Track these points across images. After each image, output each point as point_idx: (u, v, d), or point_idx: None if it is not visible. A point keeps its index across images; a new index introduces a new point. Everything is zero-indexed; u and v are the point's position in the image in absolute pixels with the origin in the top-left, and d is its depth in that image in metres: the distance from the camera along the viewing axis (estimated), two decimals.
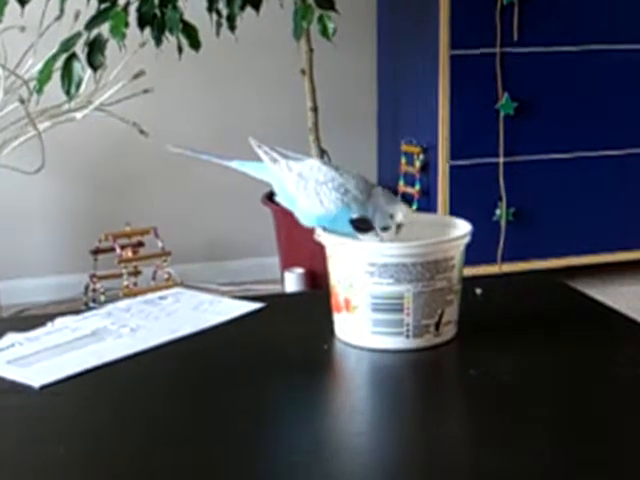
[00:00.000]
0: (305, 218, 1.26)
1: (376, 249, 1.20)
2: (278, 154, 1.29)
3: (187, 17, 2.74)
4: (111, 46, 2.71)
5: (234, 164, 1.33)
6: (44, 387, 1.12)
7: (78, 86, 2.69)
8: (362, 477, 0.94)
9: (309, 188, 1.24)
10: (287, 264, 3.25)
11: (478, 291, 1.39)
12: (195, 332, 1.29)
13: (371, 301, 1.20)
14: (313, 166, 1.26)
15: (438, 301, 1.20)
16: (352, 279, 1.21)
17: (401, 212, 1.22)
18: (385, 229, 1.22)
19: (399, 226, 1.22)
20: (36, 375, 1.15)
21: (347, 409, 1.11)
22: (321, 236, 1.24)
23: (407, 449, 1.00)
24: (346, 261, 1.21)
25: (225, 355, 1.24)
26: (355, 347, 1.22)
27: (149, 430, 1.03)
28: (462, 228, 1.26)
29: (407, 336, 1.20)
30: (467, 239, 1.24)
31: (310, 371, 1.17)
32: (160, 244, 3.13)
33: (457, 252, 1.22)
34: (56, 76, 2.69)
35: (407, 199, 3.40)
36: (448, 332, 1.23)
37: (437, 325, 1.21)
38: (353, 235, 1.23)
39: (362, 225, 1.22)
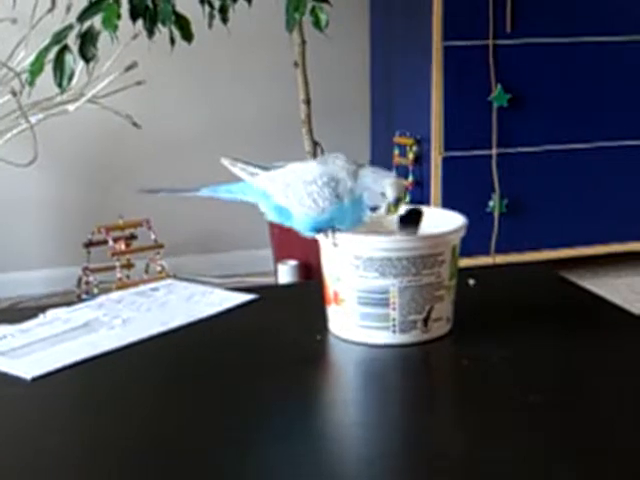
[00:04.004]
0: (303, 225, 1.21)
1: (361, 242, 1.18)
2: (255, 167, 1.23)
3: (179, 9, 2.73)
4: (103, 38, 2.70)
5: (205, 192, 1.26)
6: (36, 379, 1.12)
7: (70, 78, 2.68)
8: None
9: (299, 192, 1.20)
10: (280, 256, 3.25)
11: (471, 282, 1.38)
12: (187, 323, 1.28)
13: (357, 294, 1.19)
14: (296, 169, 1.22)
15: (426, 297, 1.18)
16: (340, 272, 1.20)
17: (391, 187, 1.17)
18: (374, 209, 1.19)
19: (398, 200, 1.18)
20: (28, 367, 1.14)
21: (336, 401, 1.11)
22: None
23: (392, 448, 1.00)
24: (335, 254, 1.21)
25: (217, 346, 1.24)
26: (344, 340, 1.22)
27: (141, 421, 1.03)
28: (454, 224, 1.22)
29: (394, 331, 1.19)
30: (459, 234, 1.21)
31: (303, 362, 1.17)
32: (153, 237, 3.12)
33: (446, 248, 1.19)
34: (48, 68, 2.68)
35: None
36: (439, 329, 1.21)
37: (425, 321, 1.19)
38: (358, 224, 1.20)
39: (409, 219, 1.18)
